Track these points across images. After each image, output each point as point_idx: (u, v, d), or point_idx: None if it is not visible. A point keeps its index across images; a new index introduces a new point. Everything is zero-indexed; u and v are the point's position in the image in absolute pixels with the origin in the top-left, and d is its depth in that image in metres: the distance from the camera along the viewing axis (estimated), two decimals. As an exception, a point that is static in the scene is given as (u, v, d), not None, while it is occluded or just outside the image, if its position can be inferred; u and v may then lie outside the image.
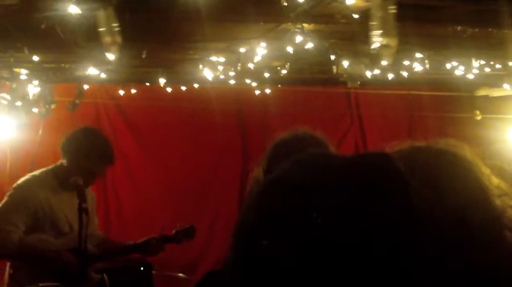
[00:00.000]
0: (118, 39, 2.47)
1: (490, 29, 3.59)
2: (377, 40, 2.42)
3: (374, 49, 2.49)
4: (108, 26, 2.42)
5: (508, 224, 0.64)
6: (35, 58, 4.00)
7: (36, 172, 3.57)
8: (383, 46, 2.44)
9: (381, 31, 2.39)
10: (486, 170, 0.69)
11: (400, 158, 0.66)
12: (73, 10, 2.41)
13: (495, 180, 0.69)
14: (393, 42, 2.46)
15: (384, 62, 2.72)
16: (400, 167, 0.63)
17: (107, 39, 2.45)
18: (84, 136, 3.54)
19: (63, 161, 3.52)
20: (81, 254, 3.14)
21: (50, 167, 3.58)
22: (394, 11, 2.45)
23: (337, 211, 0.60)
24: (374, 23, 2.45)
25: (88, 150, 3.47)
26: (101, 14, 2.40)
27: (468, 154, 0.71)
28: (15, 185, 3.47)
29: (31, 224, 3.31)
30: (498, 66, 4.84)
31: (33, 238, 3.30)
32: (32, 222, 3.32)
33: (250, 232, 0.63)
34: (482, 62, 4.70)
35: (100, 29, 2.48)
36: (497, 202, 0.66)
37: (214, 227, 6.42)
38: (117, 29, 2.46)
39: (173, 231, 3.84)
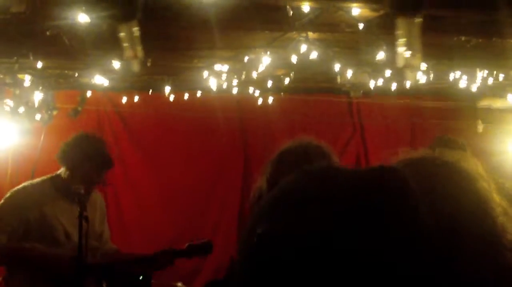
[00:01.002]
0: (140, 53, 2.46)
1: (494, 39, 3.60)
2: (401, 51, 2.41)
3: (399, 64, 2.48)
4: (131, 40, 2.41)
5: (507, 244, 0.63)
6: (39, 64, 4.00)
7: (35, 180, 3.58)
8: (408, 65, 2.43)
9: (405, 41, 2.38)
10: (490, 186, 0.69)
11: (404, 166, 0.66)
12: (82, 18, 2.40)
13: (497, 198, 0.68)
14: (417, 60, 2.44)
15: (410, 79, 2.72)
16: (410, 183, 0.63)
17: (129, 53, 2.44)
18: (78, 143, 3.50)
19: (61, 170, 3.51)
20: (80, 263, 3.07)
21: (48, 176, 3.57)
22: (420, 21, 2.43)
23: (345, 222, 0.60)
24: (399, 32, 2.44)
25: (83, 156, 3.43)
26: (124, 28, 2.39)
27: (474, 168, 0.71)
28: (11, 190, 3.49)
29: (22, 232, 3.28)
30: (501, 76, 4.85)
31: (24, 245, 3.27)
32: (24, 229, 3.29)
33: (260, 243, 0.63)
34: (486, 72, 4.71)
35: (123, 44, 2.46)
36: (499, 219, 0.65)
37: (214, 236, 6.39)
38: (139, 42, 2.45)
39: (186, 245, 3.62)
